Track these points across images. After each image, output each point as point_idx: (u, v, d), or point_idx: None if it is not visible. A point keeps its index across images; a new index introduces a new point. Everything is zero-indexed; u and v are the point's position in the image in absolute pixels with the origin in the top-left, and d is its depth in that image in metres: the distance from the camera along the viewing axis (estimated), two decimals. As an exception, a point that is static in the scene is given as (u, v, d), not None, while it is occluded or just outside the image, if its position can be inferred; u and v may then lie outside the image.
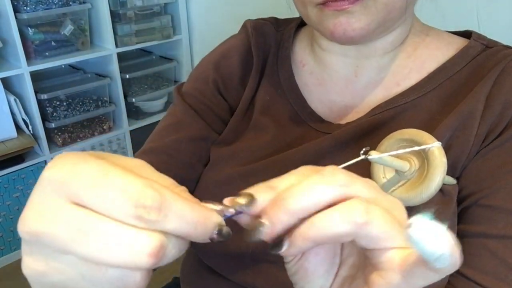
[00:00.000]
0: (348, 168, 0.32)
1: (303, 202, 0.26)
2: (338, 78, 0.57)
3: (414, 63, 0.53)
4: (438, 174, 0.36)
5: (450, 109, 0.48)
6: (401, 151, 0.35)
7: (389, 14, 0.46)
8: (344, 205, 0.25)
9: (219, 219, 0.27)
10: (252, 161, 0.55)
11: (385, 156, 0.33)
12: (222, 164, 0.57)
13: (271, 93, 0.60)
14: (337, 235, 0.25)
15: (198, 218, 0.25)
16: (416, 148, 0.34)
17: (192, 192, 0.59)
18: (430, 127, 0.48)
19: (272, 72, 0.61)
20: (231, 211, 0.28)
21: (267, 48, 0.62)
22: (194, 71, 0.65)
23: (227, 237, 0.27)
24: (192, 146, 0.59)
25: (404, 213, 0.27)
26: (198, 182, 0.59)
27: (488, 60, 0.50)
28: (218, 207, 0.28)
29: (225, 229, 0.27)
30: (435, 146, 0.35)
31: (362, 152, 0.32)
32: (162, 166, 0.56)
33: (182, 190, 0.27)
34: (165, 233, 0.24)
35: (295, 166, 0.52)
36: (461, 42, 0.54)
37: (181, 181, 0.58)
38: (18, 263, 0.55)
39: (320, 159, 0.52)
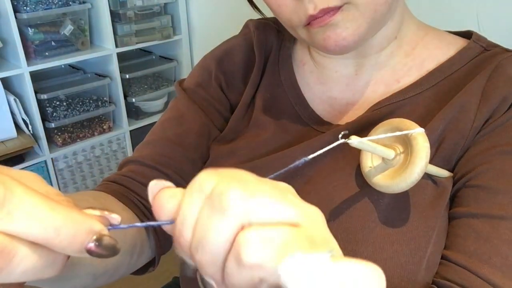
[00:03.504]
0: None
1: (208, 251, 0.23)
2: (338, 77, 0.57)
3: (414, 62, 0.54)
4: (421, 158, 0.35)
5: (445, 105, 0.48)
6: (381, 135, 0.35)
7: (375, 12, 0.46)
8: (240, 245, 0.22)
9: (98, 227, 0.22)
10: (251, 158, 0.55)
11: (365, 141, 0.33)
12: (221, 161, 0.57)
13: (272, 91, 0.60)
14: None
15: (61, 221, 0.20)
16: (398, 133, 0.34)
17: None
18: (426, 122, 0.48)
19: (273, 71, 0.61)
20: (115, 217, 0.23)
21: (268, 47, 0.63)
22: (196, 67, 0.65)
23: (112, 251, 0.22)
24: (194, 141, 0.59)
25: (324, 224, 0.24)
26: None
27: (486, 62, 0.50)
28: (100, 213, 0.23)
29: (107, 239, 0.22)
30: (417, 131, 0.34)
31: (340, 136, 0.32)
32: (163, 159, 0.56)
33: (66, 199, 0.23)
34: (12, 236, 0.20)
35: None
36: (461, 43, 0.54)
37: (182, 175, 0.58)
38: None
39: (319, 156, 0.52)
